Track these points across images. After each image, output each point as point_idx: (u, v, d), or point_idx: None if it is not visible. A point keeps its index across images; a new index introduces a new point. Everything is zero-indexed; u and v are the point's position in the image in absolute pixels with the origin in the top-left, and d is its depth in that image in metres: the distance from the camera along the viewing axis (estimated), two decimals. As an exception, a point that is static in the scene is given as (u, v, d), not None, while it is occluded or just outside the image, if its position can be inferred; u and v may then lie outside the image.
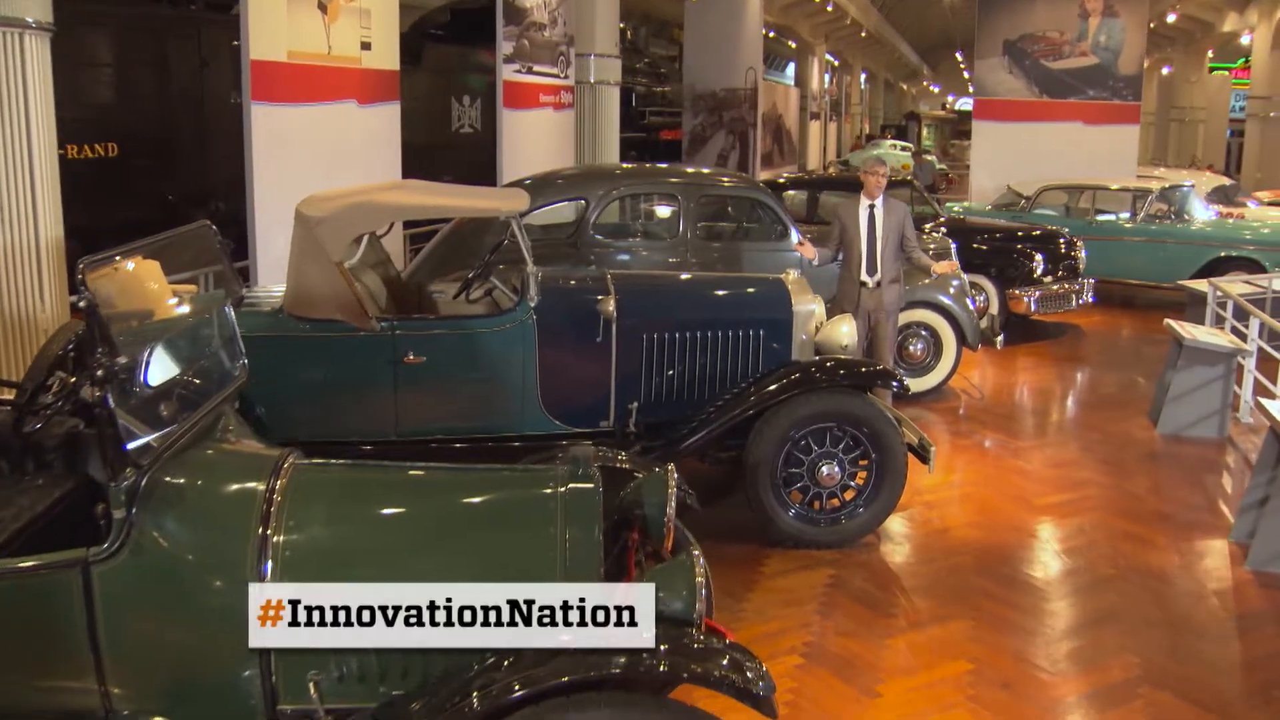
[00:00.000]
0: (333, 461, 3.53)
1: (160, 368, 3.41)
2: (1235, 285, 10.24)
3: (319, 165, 9.47)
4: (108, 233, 8.09)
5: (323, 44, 9.76)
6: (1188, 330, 8.59)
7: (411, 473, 3.62)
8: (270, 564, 3.07)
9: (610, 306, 5.98)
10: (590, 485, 3.27)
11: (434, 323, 6.05)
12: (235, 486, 3.26)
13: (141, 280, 3.76)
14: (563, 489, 3.26)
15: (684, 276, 7.33)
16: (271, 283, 7.22)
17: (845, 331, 6.35)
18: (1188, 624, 5.38)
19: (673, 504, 3.60)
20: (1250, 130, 30.17)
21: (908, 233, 7.87)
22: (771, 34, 31.37)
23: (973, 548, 6.27)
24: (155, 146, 12.35)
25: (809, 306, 6.37)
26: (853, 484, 6.13)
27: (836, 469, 6.03)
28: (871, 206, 7.81)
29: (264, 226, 8.64)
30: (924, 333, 9.36)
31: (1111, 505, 6.98)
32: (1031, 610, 5.53)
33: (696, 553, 3.27)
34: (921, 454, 6.16)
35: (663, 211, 9.70)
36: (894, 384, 6.28)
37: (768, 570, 5.85)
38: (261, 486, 3.20)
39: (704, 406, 6.11)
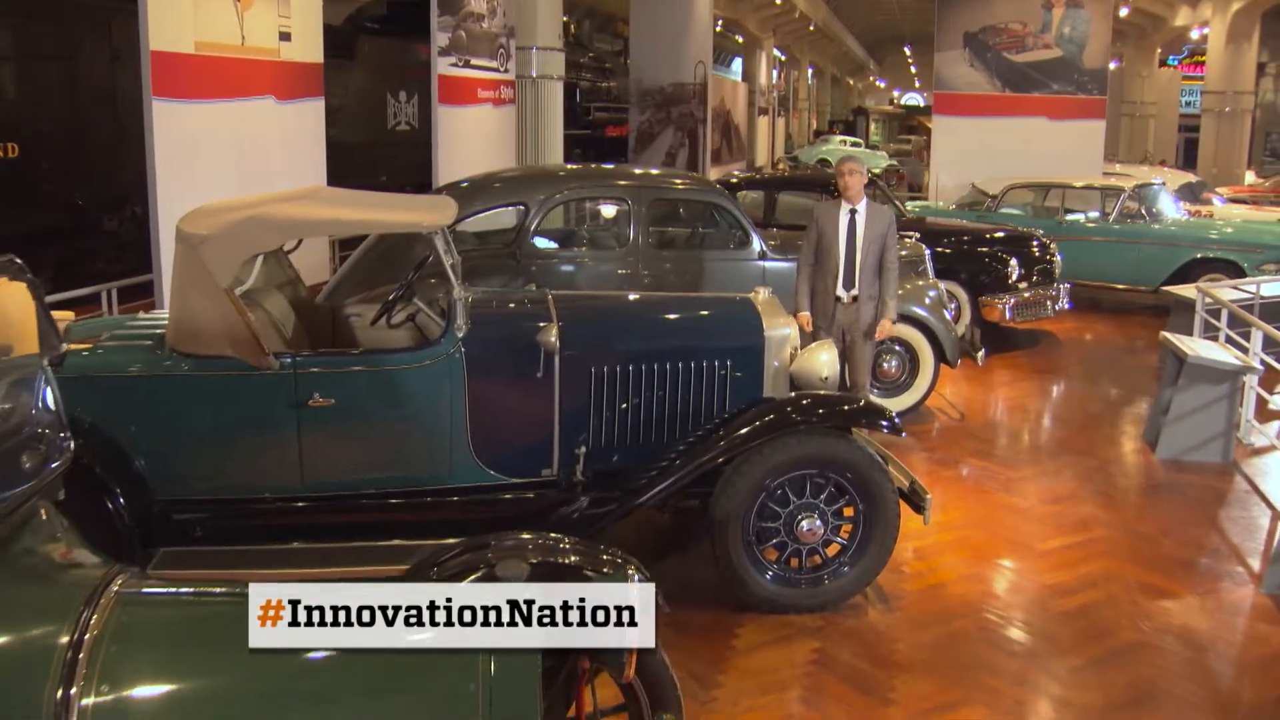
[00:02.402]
0: (176, 590, 2.62)
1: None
2: (1224, 292, 9.53)
3: (232, 168, 8.68)
4: (8, 242, 7.35)
5: (235, 34, 8.91)
6: (1187, 345, 7.83)
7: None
8: (77, 735, 2.20)
9: (552, 335, 5.12)
10: (523, 616, 2.44)
11: (344, 359, 5.12)
12: (25, 632, 2.36)
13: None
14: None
15: (638, 297, 6.43)
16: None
17: (825, 360, 5.49)
18: (1237, 705, 4.59)
19: (635, 620, 2.77)
20: (1205, 125, 29.87)
21: (889, 246, 7.01)
22: (719, 27, 30.66)
23: (973, 608, 5.44)
24: (62, 147, 11.49)
25: (783, 330, 5.54)
26: (837, 539, 5.29)
27: (818, 522, 5.17)
28: (853, 212, 6.94)
29: (169, 239, 7.72)
30: (898, 348, 8.54)
31: (1122, 549, 6.19)
32: (1051, 690, 4.72)
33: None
34: (915, 502, 5.35)
35: (611, 217, 8.84)
36: (883, 423, 5.40)
37: (740, 644, 4.99)
38: (65, 628, 2.32)
39: (664, 451, 5.25)
